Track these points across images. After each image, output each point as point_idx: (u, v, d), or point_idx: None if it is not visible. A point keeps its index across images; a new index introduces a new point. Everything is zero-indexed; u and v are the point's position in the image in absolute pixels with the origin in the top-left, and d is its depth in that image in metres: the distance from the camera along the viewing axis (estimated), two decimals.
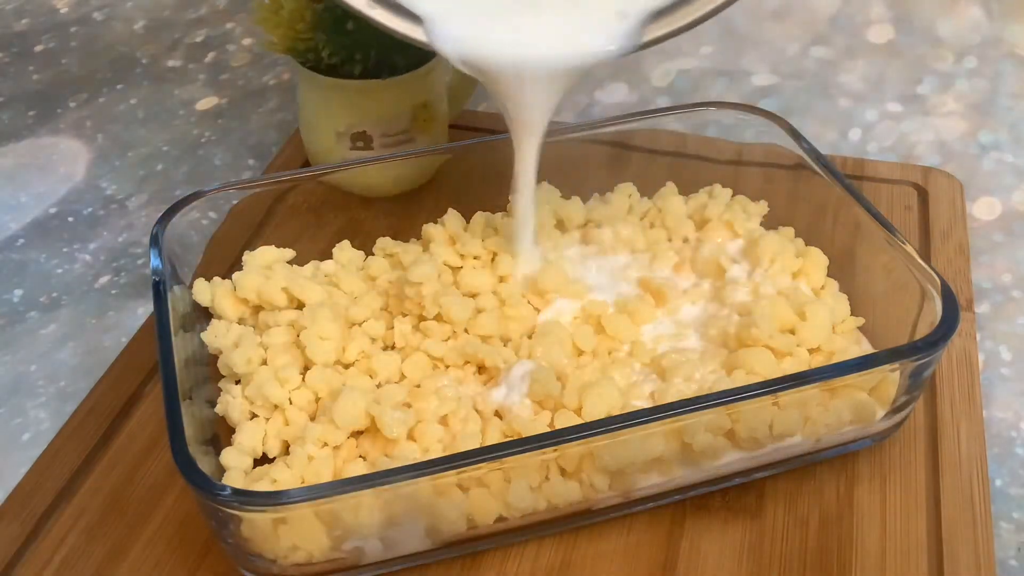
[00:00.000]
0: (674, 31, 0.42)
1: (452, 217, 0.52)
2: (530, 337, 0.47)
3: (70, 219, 0.63)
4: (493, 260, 0.50)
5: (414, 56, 0.57)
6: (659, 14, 0.42)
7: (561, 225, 0.53)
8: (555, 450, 0.39)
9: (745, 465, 0.43)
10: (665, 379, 0.45)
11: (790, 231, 0.52)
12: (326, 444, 0.42)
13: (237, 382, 0.45)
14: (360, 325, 0.47)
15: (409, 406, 0.43)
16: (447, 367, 0.46)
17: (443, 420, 0.43)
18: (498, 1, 0.42)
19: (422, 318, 0.47)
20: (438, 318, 0.46)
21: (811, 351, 0.46)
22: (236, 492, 0.36)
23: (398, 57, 0.56)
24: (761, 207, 0.54)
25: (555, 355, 0.45)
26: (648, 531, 0.43)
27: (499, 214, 0.53)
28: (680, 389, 0.43)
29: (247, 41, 0.81)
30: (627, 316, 0.47)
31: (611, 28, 0.42)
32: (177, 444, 0.37)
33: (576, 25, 0.42)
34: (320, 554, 0.38)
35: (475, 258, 0.50)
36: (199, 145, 0.70)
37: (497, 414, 0.44)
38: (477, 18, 0.42)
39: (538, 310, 0.49)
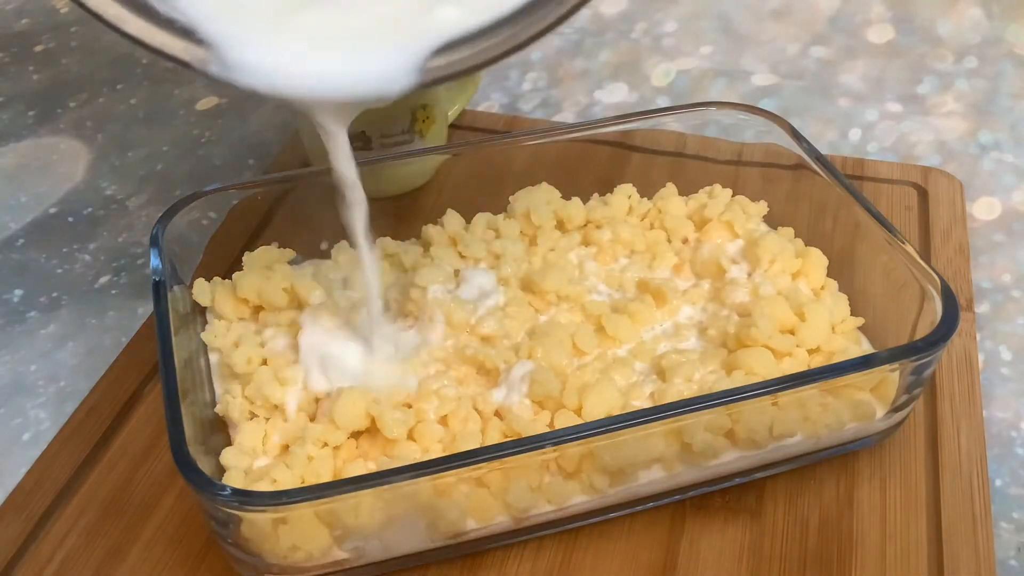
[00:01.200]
0: (459, 71, 0.37)
1: (452, 218, 0.52)
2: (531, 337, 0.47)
3: (70, 219, 0.63)
4: (498, 259, 0.50)
5: None
6: (444, 49, 0.37)
7: (561, 226, 0.53)
8: (555, 450, 0.39)
9: (745, 465, 0.43)
10: (665, 379, 0.45)
11: (790, 231, 0.52)
12: (326, 444, 0.42)
13: (237, 382, 0.45)
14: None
15: (409, 406, 0.43)
16: (447, 368, 0.46)
17: (443, 420, 0.43)
18: (279, 26, 0.38)
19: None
20: (441, 320, 0.46)
21: (811, 351, 0.46)
22: (236, 492, 0.36)
23: None
24: (761, 207, 0.54)
25: (555, 355, 0.45)
26: (648, 531, 0.43)
27: (500, 215, 0.53)
28: (680, 389, 0.43)
29: None
30: (627, 317, 0.47)
31: (396, 61, 0.37)
32: (177, 444, 0.37)
33: (359, 56, 0.37)
34: (320, 554, 0.38)
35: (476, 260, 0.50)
36: (199, 145, 0.70)
37: (497, 414, 0.44)
38: (260, 48, 0.37)
39: (539, 311, 0.49)
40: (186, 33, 0.37)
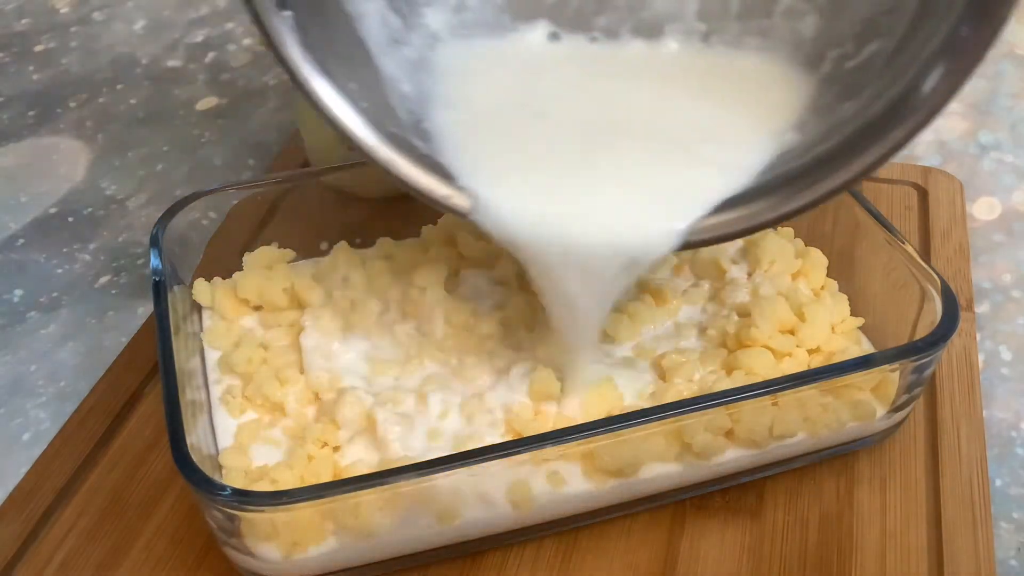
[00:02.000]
0: (722, 236, 0.38)
1: (451, 218, 0.52)
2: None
3: (70, 219, 0.63)
4: (497, 260, 0.50)
5: None
6: (716, 210, 0.38)
7: None
8: (555, 450, 0.39)
9: (745, 465, 0.43)
10: (665, 379, 0.45)
11: (790, 231, 0.52)
12: (326, 444, 0.42)
13: (237, 382, 0.46)
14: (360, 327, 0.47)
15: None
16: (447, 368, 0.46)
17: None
18: (545, 172, 0.39)
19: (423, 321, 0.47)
20: (441, 321, 0.46)
21: (811, 351, 0.46)
22: (236, 492, 0.36)
23: None
24: None
25: (555, 355, 0.45)
26: (648, 531, 0.43)
27: None
28: (680, 389, 0.43)
29: (247, 41, 0.81)
30: (627, 317, 0.48)
31: (664, 219, 0.38)
32: (177, 444, 0.37)
33: (631, 215, 0.38)
34: (320, 554, 0.38)
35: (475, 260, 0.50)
36: (199, 145, 0.70)
37: None
38: (521, 194, 0.38)
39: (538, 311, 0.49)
40: (450, 177, 0.39)
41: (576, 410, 0.43)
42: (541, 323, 0.45)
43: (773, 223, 0.37)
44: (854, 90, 0.37)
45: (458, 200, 0.39)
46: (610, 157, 0.39)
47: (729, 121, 0.40)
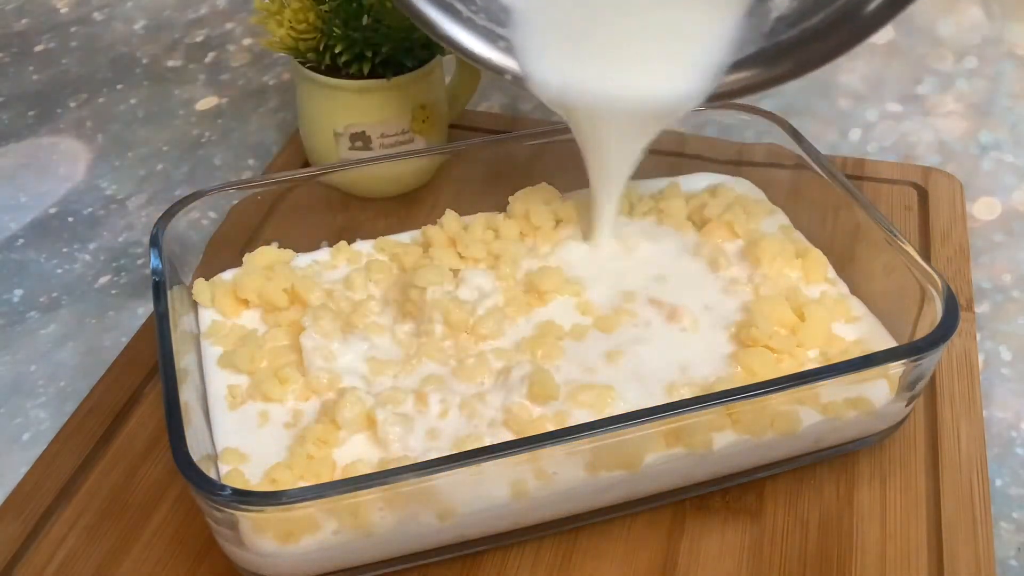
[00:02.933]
0: (750, 86, 0.46)
1: (450, 218, 0.52)
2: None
3: (70, 219, 0.63)
4: (497, 260, 0.50)
5: (421, 57, 0.57)
6: (737, 66, 0.46)
7: (561, 226, 0.53)
8: (555, 450, 0.38)
9: (745, 465, 0.43)
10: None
11: (791, 232, 0.52)
12: (326, 444, 0.42)
13: (237, 381, 0.45)
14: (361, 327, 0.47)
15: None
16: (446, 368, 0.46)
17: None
18: (588, 41, 0.45)
19: (424, 321, 0.47)
20: (440, 321, 0.46)
21: (811, 351, 0.46)
22: (236, 492, 0.36)
23: (406, 57, 0.56)
24: (762, 207, 0.54)
25: (555, 355, 0.45)
26: (648, 531, 0.43)
27: (500, 215, 0.53)
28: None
29: (247, 41, 0.81)
30: (627, 316, 0.47)
31: (690, 76, 0.46)
32: (177, 444, 0.37)
33: (658, 71, 0.46)
34: (320, 554, 0.38)
35: (476, 260, 0.50)
36: (199, 145, 0.70)
37: None
38: (569, 59, 0.45)
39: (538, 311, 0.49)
40: (492, 38, 0.46)
41: (612, 249, 0.50)
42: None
43: (775, 83, 0.45)
44: None
45: (500, 61, 0.46)
46: (632, 32, 0.45)
47: None
